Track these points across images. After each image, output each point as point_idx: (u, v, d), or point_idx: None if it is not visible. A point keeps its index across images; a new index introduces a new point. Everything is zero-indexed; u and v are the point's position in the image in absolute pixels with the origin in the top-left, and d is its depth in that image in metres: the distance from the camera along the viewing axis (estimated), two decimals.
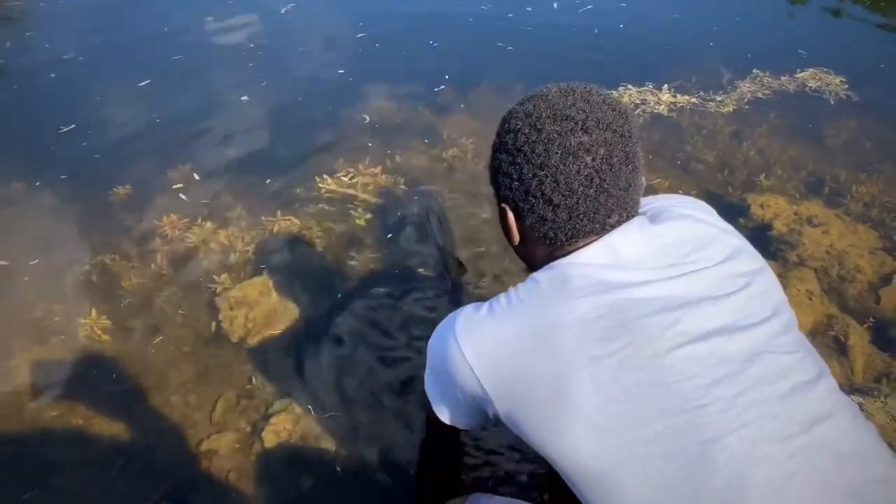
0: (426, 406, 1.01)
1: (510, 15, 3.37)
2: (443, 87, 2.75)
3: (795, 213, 2.03)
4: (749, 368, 0.75)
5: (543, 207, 0.83)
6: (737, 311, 0.79)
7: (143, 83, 2.78)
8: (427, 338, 0.93)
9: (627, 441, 0.73)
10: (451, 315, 0.89)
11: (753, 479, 0.69)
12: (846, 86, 2.69)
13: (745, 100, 2.60)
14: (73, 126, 2.50)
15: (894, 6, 3.68)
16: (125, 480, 1.40)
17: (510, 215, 0.88)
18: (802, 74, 2.75)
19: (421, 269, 1.88)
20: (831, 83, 2.70)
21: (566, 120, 0.81)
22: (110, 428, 1.51)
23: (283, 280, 1.84)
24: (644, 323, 0.76)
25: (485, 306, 0.85)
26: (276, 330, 1.71)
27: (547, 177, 0.82)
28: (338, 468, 1.40)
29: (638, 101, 2.56)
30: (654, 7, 3.50)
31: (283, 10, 3.46)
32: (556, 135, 0.81)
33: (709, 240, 0.86)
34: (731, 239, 0.88)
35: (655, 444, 0.72)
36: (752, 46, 3.01)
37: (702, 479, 0.70)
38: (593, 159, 0.81)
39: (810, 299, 1.75)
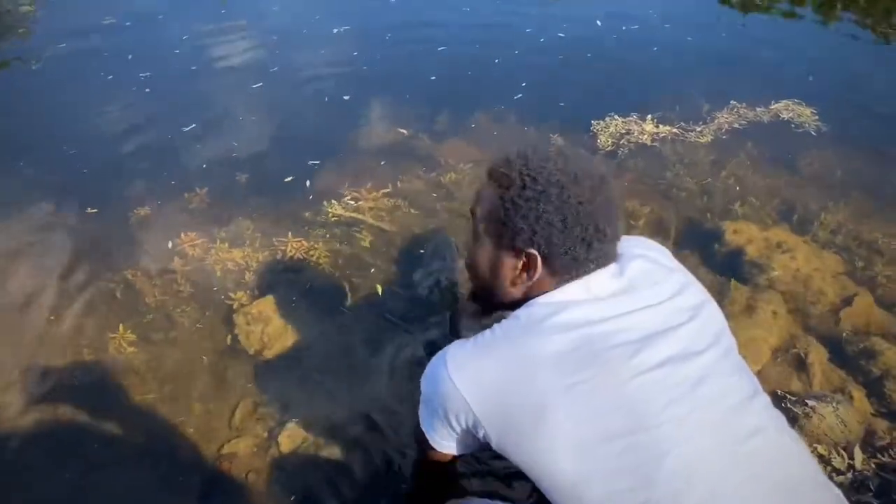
0: (419, 441, 1.15)
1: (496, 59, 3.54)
2: (439, 114, 2.92)
3: (766, 239, 2.19)
4: (697, 390, 0.91)
5: (580, 248, 0.98)
6: (686, 340, 0.95)
7: (150, 104, 2.93)
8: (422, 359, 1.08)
9: (599, 456, 0.88)
10: (440, 352, 1.03)
11: (699, 483, 0.85)
12: (816, 117, 2.86)
13: (723, 130, 2.77)
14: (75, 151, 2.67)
15: (865, 40, 3.88)
16: (155, 480, 1.54)
17: (519, 261, 1.01)
18: (776, 106, 2.93)
19: (423, 293, 2.02)
20: (803, 114, 2.87)
21: (591, 177, 0.98)
22: (139, 433, 1.65)
23: (295, 298, 1.99)
24: (610, 355, 0.91)
25: (470, 341, 1.00)
26: (289, 344, 1.86)
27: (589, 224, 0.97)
28: (349, 474, 1.54)
29: (623, 132, 2.73)
30: (633, 38, 3.70)
31: (303, 31, 3.63)
32: (588, 190, 0.97)
33: (660, 278, 1.03)
34: (678, 276, 1.05)
35: (621, 458, 0.87)
36: (729, 78, 3.20)
37: (657, 485, 0.85)
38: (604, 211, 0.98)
39: (775, 319, 1.90)
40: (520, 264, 1.02)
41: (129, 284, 2.04)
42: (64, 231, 2.27)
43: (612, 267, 1.02)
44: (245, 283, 2.05)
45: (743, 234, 2.21)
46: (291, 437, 1.60)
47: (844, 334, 1.90)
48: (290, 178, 2.51)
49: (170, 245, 2.18)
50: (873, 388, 1.74)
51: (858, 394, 1.71)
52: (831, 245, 2.22)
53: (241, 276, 2.08)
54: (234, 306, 1.96)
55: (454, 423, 1.00)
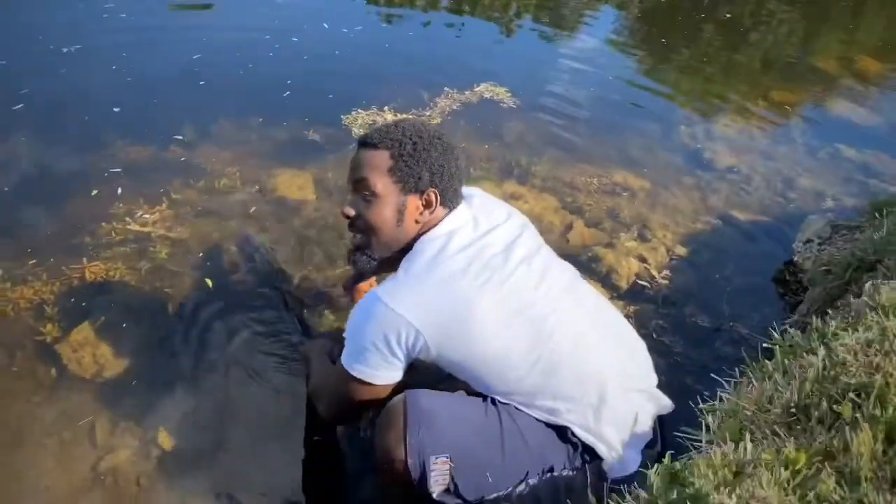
0: (340, 388, 1.38)
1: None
2: (181, 124, 2.99)
3: (503, 192, 2.76)
4: (547, 273, 1.35)
5: (457, 184, 1.35)
6: (526, 245, 1.38)
7: None
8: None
9: (513, 328, 1.27)
10: (365, 297, 1.31)
11: (570, 331, 1.30)
12: (510, 94, 3.57)
13: (446, 112, 3.32)
14: None
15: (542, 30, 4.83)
16: None
17: (422, 201, 1.34)
18: (479, 88, 3.58)
19: (242, 289, 2.16)
20: (499, 93, 3.56)
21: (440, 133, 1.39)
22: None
23: (115, 318, 1.98)
24: (493, 262, 1.30)
25: (390, 281, 1.30)
26: (126, 360, 1.86)
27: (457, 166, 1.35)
28: (240, 454, 1.66)
29: (370, 122, 3.11)
30: (333, 46, 4.11)
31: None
32: (446, 141, 1.37)
33: (492, 207, 1.46)
34: (501, 205, 1.49)
35: (522, 327, 1.28)
36: (438, 69, 3.78)
37: (545, 341, 1.28)
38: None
39: None
40: (421, 203, 1.34)
41: None
42: None
43: (463, 202, 1.39)
44: (50, 316, 1.96)
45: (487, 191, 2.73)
46: (168, 437, 1.67)
47: (575, 250, 2.52)
48: (45, 209, 2.38)
49: None
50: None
51: None
52: (546, 189, 2.87)
53: (41, 310, 1.98)
54: (48, 340, 1.89)
55: (394, 347, 1.26)
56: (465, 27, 4.93)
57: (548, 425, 1.32)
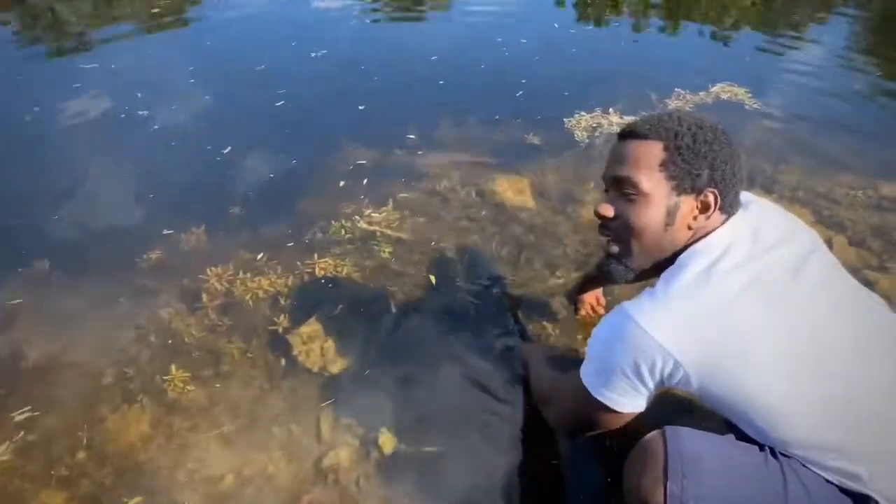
0: (580, 409, 1.23)
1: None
2: (410, 129, 3.02)
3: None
4: (846, 303, 1.11)
5: (739, 185, 1.15)
6: (822, 266, 1.12)
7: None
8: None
9: (797, 366, 1.01)
10: (612, 313, 1.13)
11: (875, 377, 1.03)
12: (750, 94, 3.19)
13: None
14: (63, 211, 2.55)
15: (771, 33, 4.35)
16: None
17: (698, 203, 1.13)
18: (714, 88, 3.25)
19: (462, 291, 2.09)
20: (738, 94, 3.20)
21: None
22: (226, 469, 1.60)
23: (341, 313, 2.00)
24: (779, 285, 1.06)
25: (646, 297, 1.09)
26: (351, 356, 1.87)
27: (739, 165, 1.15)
28: (457, 463, 1.58)
29: (594, 125, 2.94)
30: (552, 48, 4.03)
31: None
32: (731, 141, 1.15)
33: (772, 214, 1.21)
34: (789, 217, 1.24)
35: (811, 367, 1.02)
36: (665, 69, 3.50)
37: (844, 384, 1.02)
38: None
39: None
40: (697, 206, 1.13)
41: (161, 327, 1.98)
42: (68, 286, 2.16)
43: (740, 209, 1.16)
44: (283, 308, 2.03)
45: None
46: (388, 439, 1.62)
47: None
48: (289, 205, 2.51)
49: (193, 283, 2.13)
50: None
51: None
52: (797, 200, 2.49)
53: (276, 301, 2.06)
54: (280, 330, 1.95)
55: (645, 376, 1.08)
56: (682, 31, 4.60)
57: (842, 490, 1.04)
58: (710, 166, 1.11)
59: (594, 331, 1.20)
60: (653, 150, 1.14)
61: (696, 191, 1.13)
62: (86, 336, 1.97)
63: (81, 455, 1.63)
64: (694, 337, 1.03)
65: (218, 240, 2.35)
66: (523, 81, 3.45)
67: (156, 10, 4.98)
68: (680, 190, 1.13)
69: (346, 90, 3.45)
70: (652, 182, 1.14)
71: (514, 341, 1.87)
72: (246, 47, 4.19)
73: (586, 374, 1.19)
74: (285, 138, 3.01)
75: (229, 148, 2.91)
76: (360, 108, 3.25)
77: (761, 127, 2.97)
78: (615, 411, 1.16)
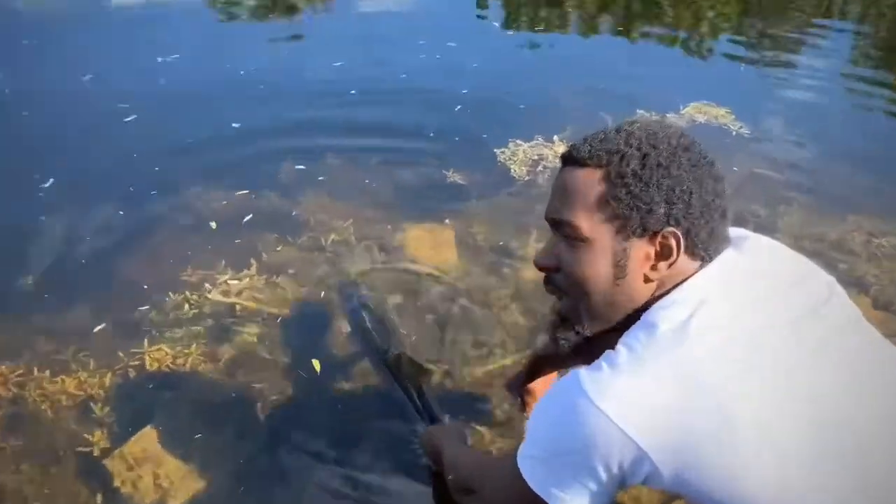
0: None
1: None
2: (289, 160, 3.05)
3: None
4: (870, 369, 1.11)
5: (717, 217, 1.12)
6: (835, 319, 1.13)
7: None
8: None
9: (799, 455, 1.00)
10: (564, 379, 1.11)
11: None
12: (732, 115, 3.40)
13: None
14: None
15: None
16: None
17: (654, 247, 1.11)
18: (686, 109, 3.45)
19: (355, 379, 2.06)
20: (718, 115, 3.40)
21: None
22: None
23: (183, 423, 1.93)
24: (774, 345, 1.06)
25: (602, 365, 1.07)
26: (199, 482, 1.78)
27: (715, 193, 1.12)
28: None
29: (535, 157, 3.05)
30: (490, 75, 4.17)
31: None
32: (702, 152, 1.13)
33: (780, 254, 1.24)
34: (794, 256, 1.26)
35: (815, 452, 1.00)
36: (624, 87, 3.67)
37: (865, 478, 1.01)
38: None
39: None
40: (653, 252, 1.12)
41: None
42: None
43: (729, 248, 1.17)
44: (98, 419, 1.94)
45: None
46: None
47: None
48: (99, 278, 2.44)
49: None
50: None
51: None
52: (802, 250, 2.61)
53: (87, 410, 1.96)
54: (95, 452, 1.85)
55: (601, 472, 1.05)
56: (645, 38, 4.89)
57: None
58: (666, 199, 1.10)
59: (540, 401, 1.19)
60: (591, 182, 1.13)
61: (650, 232, 1.12)
62: None
63: None
64: (660, 418, 1.02)
65: (3, 324, 2.25)
66: (451, 102, 3.56)
67: None
68: (627, 232, 1.12)
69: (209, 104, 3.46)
70: (591, 223, 1.13)
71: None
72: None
73: (527, 463, 1.16)
74: (110, 176, 2.95)
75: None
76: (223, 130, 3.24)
77: (749, 156, 3.12)
78: None
